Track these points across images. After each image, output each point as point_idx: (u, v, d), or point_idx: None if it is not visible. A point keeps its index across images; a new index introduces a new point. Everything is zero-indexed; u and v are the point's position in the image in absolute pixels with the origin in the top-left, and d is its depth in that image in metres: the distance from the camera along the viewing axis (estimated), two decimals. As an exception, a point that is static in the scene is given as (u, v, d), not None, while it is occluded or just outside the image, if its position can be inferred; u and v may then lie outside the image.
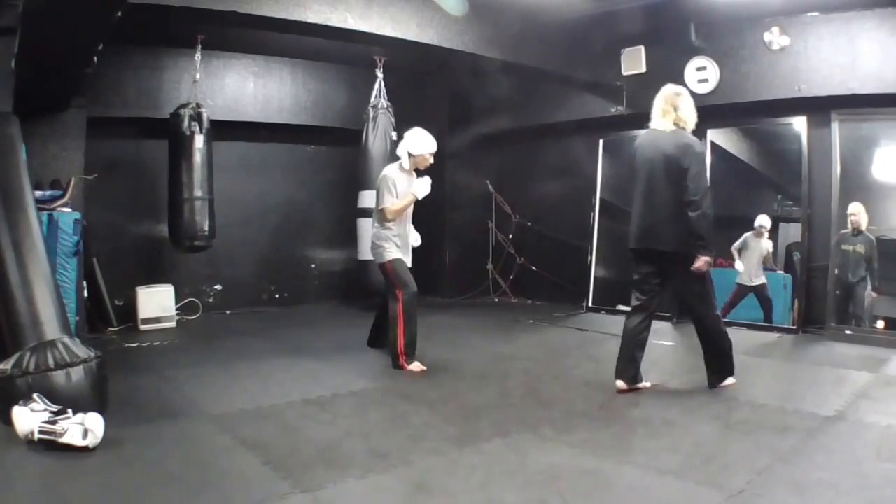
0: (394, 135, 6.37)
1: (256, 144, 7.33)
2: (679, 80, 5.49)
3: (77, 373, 3.19)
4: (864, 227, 5.54)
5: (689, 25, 5.89)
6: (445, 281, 8.12)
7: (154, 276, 6.44)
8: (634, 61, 6.47)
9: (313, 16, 4.68)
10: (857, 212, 5.54)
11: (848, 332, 5.44)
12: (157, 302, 6.15)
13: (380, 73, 6.51)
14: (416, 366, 4.45)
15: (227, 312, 6.98)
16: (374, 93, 6.52)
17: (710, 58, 6.02)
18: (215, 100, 6.58)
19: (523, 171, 8.17)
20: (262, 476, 2.66)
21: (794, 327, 5.78)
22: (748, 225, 6.26)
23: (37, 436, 2.85)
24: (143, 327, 6.01)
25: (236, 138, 7.02)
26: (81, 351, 3.28)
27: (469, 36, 5.50)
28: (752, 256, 6.25)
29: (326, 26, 4.78)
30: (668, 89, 3.97)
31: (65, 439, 2.83)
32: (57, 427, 2.85)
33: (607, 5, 5.64)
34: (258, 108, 6.96)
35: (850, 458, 2.83)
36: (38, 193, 4.32)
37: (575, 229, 7.47)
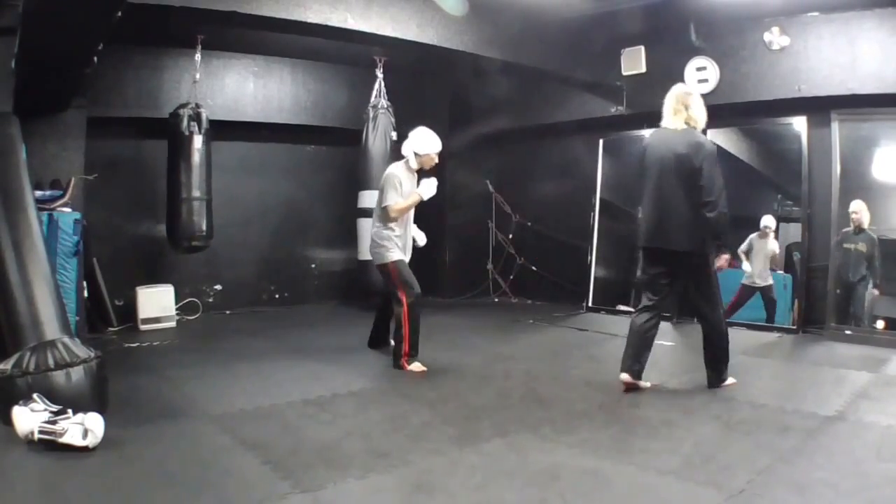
0: (394, 135, 6.37)
1: (256, 144, 7.34)
2: (679, 80, 5.46)
3: (77, 373, 3.19)
4: (866, 225, 5.54)
5: (689, 25, 5.90)
6: (445, 281, 8.13)
7: (154, 276, 6.45)
8: (634, 61, 6.47)
9: (313, 16, 4.69)
10: (859, 210, 5.54)
11: (848, 332, 5.44)
12: (157, 302, 6.15)
13: (380, 73, 6.52)
14: (416, 366, 4.44)
15: (227, 312, 6.98)
16: (374, 93, 6.53)
17: (710, 58, 6.02)
18: (215, 100, 6.58)
19: (523, 171, 8.18)
20: (262, 476, 2.66)
21: (794, 327, 5.78)
22: (748, 225, 6.26)
23: (37, 436, 2.85)
24: (143, 327, 6.01)
25: (236, 138, 7.02)
26: (81, 351, 3.27)
27: (469, 36, 5.50)
28: (759, 257, 6.24)
29: (326, 26, 4.78)
30: (679, 88, 3.98)
31: (65, 439, 2.83)
32: (57, 427, 2.85)
33: (607, 5, 5.65)
34: (258, 108, 6.96)
35: (850, 458, 2.83)
36: (38, 193, 4.31)
37: (575, 229, 7.46)
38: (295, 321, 6.58)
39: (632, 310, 6.55)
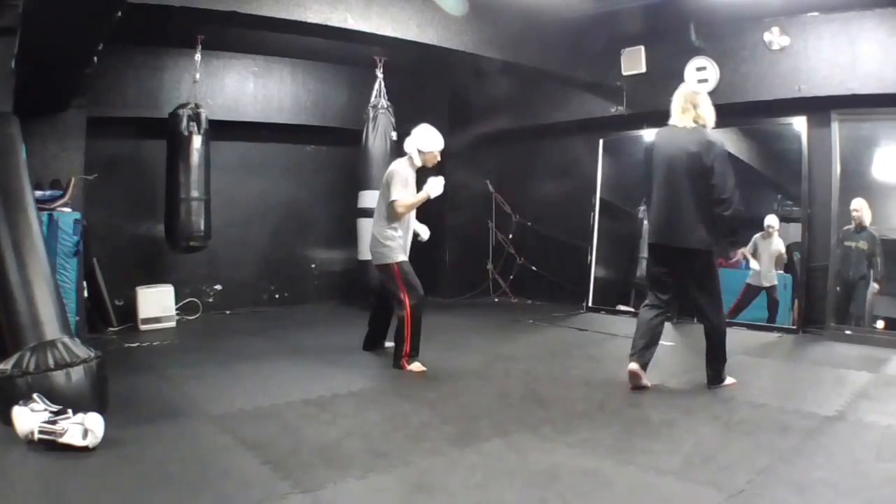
0: (394, 135, 6.37)
1: (256, 144, 7.34)
2: (679, 80, 5.48)
3: (77, 373, 3.18)
4: (867, 222, 5.54)
5: (689, 25, 5.90)
6: (445, 281, 8.13)
7: (154, 276, 6.44)
8: (634, 61, 6.47)
9: (313, 16, 4.69)
10: (860, 207, 5.53)
11: (848, 332, 5.44)
12: (157, 302, 6.15)
13: (380, 73, 6.52)
14: (416, 366, 4.44)
15: (227, 312, 6.99)
16: (374, 93, 6.52)
17: (710, 58, 6.02)
18: (215, 100, 6.58)
19: (523, 171, 8.18)
20: (262, 476, 2.66)
21: (794, 327, 5.78)
22: (749, 225, 6.25)
23: (37, 436, 2.85)
24: (143, 327, 6.01)
25: (236, 138, 7.03)
26: (81, 351, 3.27)
27: (469, 36, 5.50)
28: (764, 257, 6.24)
29: (326, 26, 4.78)
30: (687, 87, 3.99)
31: (65, 439, 2.83)
32: (57, 427, 2.85)
33: (607, 5, 5.64)
34: (258, 108, 6.96)
35: (850, 458, 2.83)
36: (38, 193, 4.31)
37: (575, 229, 7.47)
38: (295, 321, 6.58)
39: (632, 310, 6.58)
